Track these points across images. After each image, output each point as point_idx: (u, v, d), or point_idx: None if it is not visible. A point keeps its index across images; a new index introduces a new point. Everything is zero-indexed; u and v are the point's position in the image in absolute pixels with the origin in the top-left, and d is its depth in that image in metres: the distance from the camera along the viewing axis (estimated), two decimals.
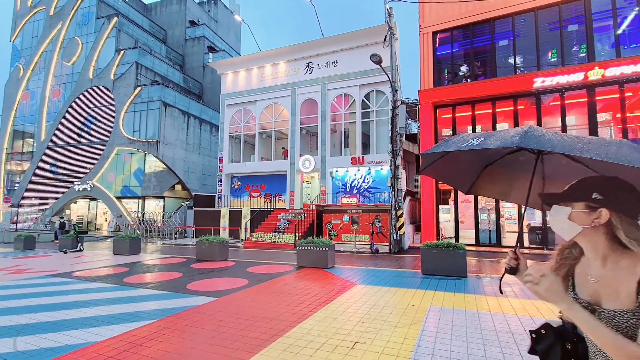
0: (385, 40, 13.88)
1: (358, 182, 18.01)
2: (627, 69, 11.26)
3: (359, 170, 17.84)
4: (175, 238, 19.76)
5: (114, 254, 12.25)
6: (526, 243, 12.67)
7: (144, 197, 24.41)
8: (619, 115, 11.97)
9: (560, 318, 1.29)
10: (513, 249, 1.39)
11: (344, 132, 18.90)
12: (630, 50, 11.97)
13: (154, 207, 25.22)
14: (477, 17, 13.79)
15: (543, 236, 12.46)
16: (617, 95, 11.82)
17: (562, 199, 1.17)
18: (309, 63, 19.19)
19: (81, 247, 13.68)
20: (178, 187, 25.83)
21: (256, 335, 4.10)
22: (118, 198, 24.50)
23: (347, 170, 18.18)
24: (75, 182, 25.56)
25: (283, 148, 21.00)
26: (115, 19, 26.80)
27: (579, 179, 1.16)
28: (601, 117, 12.42)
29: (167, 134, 24.16)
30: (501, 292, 1.71)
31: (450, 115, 14.34)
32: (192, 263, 10.13)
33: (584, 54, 12.38)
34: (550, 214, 1.21)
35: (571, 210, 1.13)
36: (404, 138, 15.74)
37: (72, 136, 26.81)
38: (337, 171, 18.47)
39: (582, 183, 1.14)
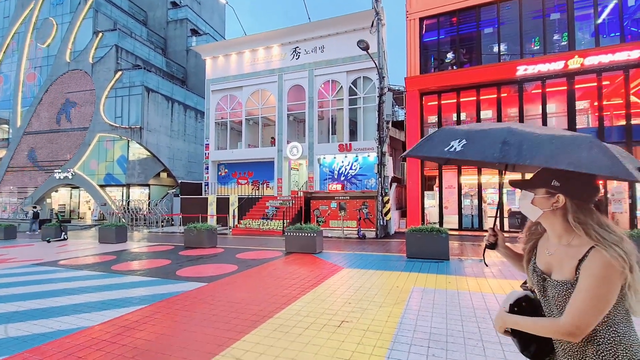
0: (372, 26, 13.81)
1: (345, 169, 18.18)
2: (605, 58, 11.61)
3: (346, 157, 17.99)
4: (162, 226, 19.62)
5: (100, 243, 12.13)
6: (506, 227, 13.18)
7: (128, 185, 23.98)
8: (596, 103, 12.41)
9: (524, 288, 1.43)
10: (492, 227, 1.61)
11: (332, 118, 18.91)
12: (609, 39, 12.32)
13: (138, 195, 24.83)
14: (463, 4, 13.84)
15: (522, 220, 12.98)
16: (595, 84, 12.22)
17: (527, 185, 1.31)
18: (295, 48, 18.94)
19: (65, 236, 13.46)
20: (163, 175, 25.45)
21: (247, 317, 4.25)
22: (101, 186, 23.99)
23: (335, 157, 18.29)
24: (55, 170, 24.82)
25: (272, 138, 20.88)
26: None
27: (544, 168, 1.28)
28: (579, 104, 12.84)
29: (150, 120, 23.60)
30: (486, 265, 1.99)
31: (436, 103, 14.53)
32: (180, 250, 10.17)
33: (565, 43, 12.66)
34: (519, 198, 1.37)
35: (534, 196, 1.28)
36: (390, 125, 15.89)
37: (50, 122, 25.85)
38: (324, 158, 18.56)
39: (545, 171, 1.27)
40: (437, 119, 14.65)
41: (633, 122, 11.83)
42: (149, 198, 23.65)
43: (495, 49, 13.74)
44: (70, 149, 24.91)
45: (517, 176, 2.17)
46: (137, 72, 23.86)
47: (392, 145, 19.07)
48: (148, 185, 24.34)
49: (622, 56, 11.41)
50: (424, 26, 14.79)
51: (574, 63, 11.95)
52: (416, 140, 14.26)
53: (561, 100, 12.92)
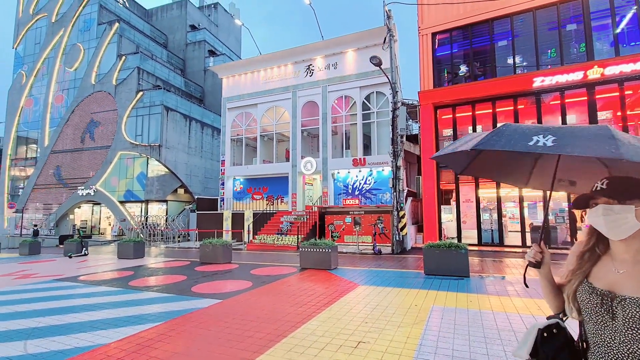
0: (384, 42, 13.98)
1: (360, 184, 18.07)
2: (627, 68, 11.29)
3: (360, 171, 17.91)
4: (179, 241, 19.87)
5: (119, 258, 12.34)
6: (528, 242, 12.67)
7: (147, 201, 24.56)
8: (619, 113, 12.00)
9: (551, 317, 1.28)
10: (537, 243, 1.40)
11: (345, 133, 18.98)
12: (629, 48, 12.01)
13: (157, 210, 25.36)
14: (475, 18, 13.86)
15: (541, 235, 12.44)
16: (617, 94, 11.85)
17: (622, 197, 1.14)
18: (309, 65, 19.31)
19: (86, 252, 13.79)
20: (181, 191, 25.98)
21: (262, 336, 4.17)
22: (121, 202, 24.66)
23: (349, 172, 18.25)
24: (78, 187, 25.76)
25: (286, 149, 21.12)
26: (117, 24, 27.06)
27: (626, 177, 1.16)
28: (601, 115, 12.45)
29: (169, 137, 24.33)
30: (526, 286, 1.65)
31: (451, 116, 14.40)
32: (196, 266, 10.21)
33: (583, 53, 12.42)
34: (592, 213, 1.18)
35: (635, 208, 1.11)
36: (404, 139, 15.80)
37: (75, 141, 27.03)
38: (338, 173, 18.54)
39: (630, 180, 1.15)
40: (452, 132, 14.48)
41: None
42: (167, 214, 24.10)
43: (510, 61, 13.60)
44: (93, 166, 25.87)
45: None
46: (157, 92, 24.82)
47: (407, 159, 18.91)
48: (166, 201, 24.86)
49: None
50: (437, 41, 14.85)
51: (594, 73, 11.67)
52: (431, 153, 14.09)
53: (582, 111, 12.56)
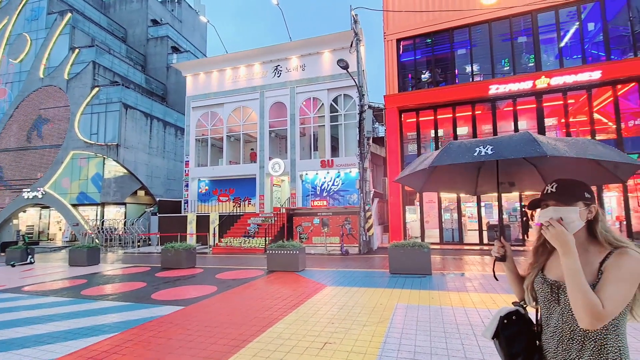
0: (351, 46, 14.21)
1: (328, 185, 18.21)
2: (569, 79, 12.36)
3: (328, 173, 18.05)
4: (139, 246, 18.84)
5: (70, 266, 11.47)
6: (485, 240, 13.43)
7: (103, 204, 23.04)
8: (563, 120, 13.10)
9: (515, 305, 1.48)
10: (498, 239, 1.61)
11: (313, 135, 19.04)
12: (572, 60, 13.16)
13: (114, 214, 23.88)
14: (437, 27, 14.51)
15: (500, 232, 13.27)
16: (561, 102, 12.94)
17: (569, 200, 1.29)
18: (277, 66, 19.17)
19: (32, 260, 12.67)
20: (141, 193, 24.66)
21: (226, 342, 4.05)
22: (74, 205, 22.93)
23: (317, 173, 18.32)
24: (24, 190, 23.59)
25: (252, 150, 20.79)
26: (69, 15, 25.18)
27: (570, 181, 1.32)
28: (548, 121, 13.52)
29: (128, 137, 23.02)
30: (496, 279, 1.82)
31: (415, 120, 14.94)
32: (156, 272, 9.74)
33: (532, 64, 13.42)
34: (562, 213, 1.29)
35: (579, 209, 1.27)
36: (371, 141, 16.16)
37: (20, 139, 24.76)
38: (307, 174, 18.55)
39: (575, 184, 1.31)
40: (416, 135, 15.02)
41: (597, 138, 12.51)
42: (125, 217, 22.77)
43: (469, 69, 14.39)
44: (41, 167, 23.84)
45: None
46: (114, 88, 23.40)
47: (374, 161, 19.34)
48: (124, 203, 23.48)
49: (584, 77, 12.18)
50: (401, 47, 15.36)
51: (541, 83, 12.65)
52: (396, 155, 14.53)
53: (531, 118, 13.57)
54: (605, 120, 13.04)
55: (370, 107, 16.32)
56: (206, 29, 42.36)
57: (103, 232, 20.30)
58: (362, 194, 13.24)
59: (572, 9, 12.98)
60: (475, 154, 1.59)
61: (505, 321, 1.40)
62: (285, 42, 19.13)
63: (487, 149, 1.57)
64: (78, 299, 6.66)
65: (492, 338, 1.43)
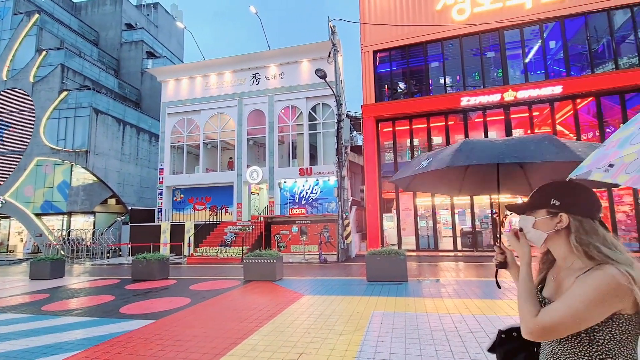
0: (329, 56, 14.44)
1: (306, 193, 18.20)
2: (534, 92, 13.10)
3: (307, 181, 18.06)
4: (108, 257, 17.98)
5: (31, 279, 10.76)
6: (459, 246, 13.82)
7: (70, 213, 21.89)
8: (529, 131, 13.82)
9: None
10: (498, 245, 1.45)
11: (292, 143, 19.04)
12: (536, 75, 13.98)
13: (82, 223, 22.71)
14: (412, 40, 15.03)
15: (473, 239, 13.74)
16: (527, 114, 13.67)
17: (527, 208, 1.20)
18: (255, 74, 19.13)
19: None
20: (112, 201, 23.63)
21: (198, 357, 3.93)
22: (37, 215, 21.63)
23: (296, 181, 18.29)
24: None
25: (230, 158, 20.49)
26: (37, 15, 24.10)
27: (539, 187, 1.20)
28: (515, 132, 14.22)
29: (98, 143, 22.10)
30: (499, 287, 1.71)
31: (391, 129, 15.29)
32: (126, 284, 9.32)
33: (500, 78, 14.14)
34: (519, 223, 1.23)
35: (535, 219, 1.17)
36: (349, 150, 16.35)
37: None
38: (285, 182, 18.48)
39: (541, 190, 1.19)
40: (392, 144, 15.36)
41: None
42: (94, 227, 21.71)
43: (442, 81, 14.95)
44: (2, 174, 22.40)
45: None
46: (85, 92, 22.49)
47: (352, 169, 19.56)
48: (93, 212, 22.39)
49: (547, 91, 12.95)
50: (378, 58, 15.76)
51: (509, 96, 13.33)
52: (374, 164, 14.80)
53: (500, 129, 14.23)
54: (567, 132, 13.86)
55: (348, 116, 16.56)
56: (183, 35, 41.71)
57: (69, 242, 19.24)
58: (340, 202, 13.32)
59: (535, 27, 13.83)
60: (417, 167, 1.86)
61: (503, 336, 1.32)
62: (264, 50, 19.16)
63: (467, 154, 1.68)
64: (38, 315, 6.25)
65: (488, 350, 1.37)
